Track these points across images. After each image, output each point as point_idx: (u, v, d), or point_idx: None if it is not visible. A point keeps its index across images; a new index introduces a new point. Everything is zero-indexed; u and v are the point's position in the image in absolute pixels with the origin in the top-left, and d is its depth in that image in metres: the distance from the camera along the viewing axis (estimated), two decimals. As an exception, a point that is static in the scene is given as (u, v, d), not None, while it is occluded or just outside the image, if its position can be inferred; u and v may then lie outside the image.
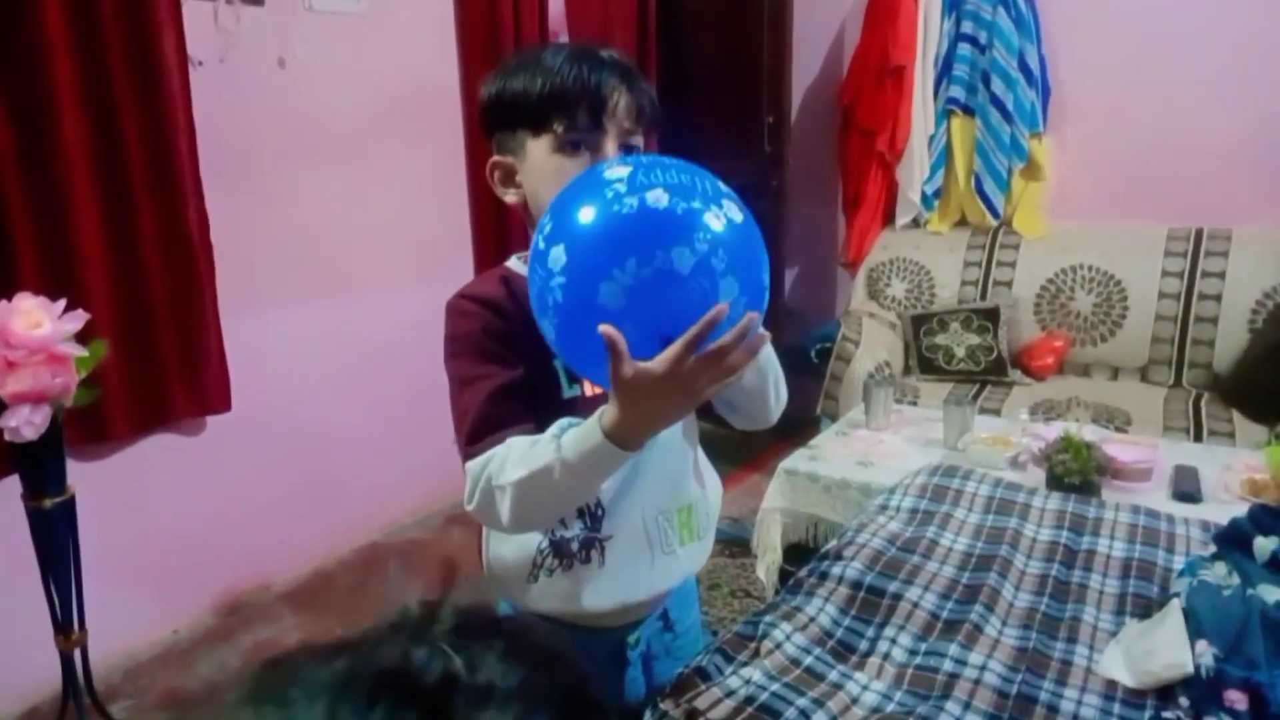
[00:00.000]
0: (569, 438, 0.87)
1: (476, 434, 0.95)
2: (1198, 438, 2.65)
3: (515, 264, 1.07)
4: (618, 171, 0.83)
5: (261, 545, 2.61)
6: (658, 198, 0.81)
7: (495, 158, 1.04)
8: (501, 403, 0.95)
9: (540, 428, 0.93)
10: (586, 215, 0.81)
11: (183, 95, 2.21)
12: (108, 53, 2.06)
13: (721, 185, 0.87)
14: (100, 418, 2.12)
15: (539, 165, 0.98)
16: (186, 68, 2.22)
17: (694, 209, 0.81)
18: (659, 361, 0.79)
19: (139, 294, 2.19)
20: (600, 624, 1.07)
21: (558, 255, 0.82)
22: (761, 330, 0.83)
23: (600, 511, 1.03)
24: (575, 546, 1.03)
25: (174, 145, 2.20)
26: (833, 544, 1.54)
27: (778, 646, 1.24)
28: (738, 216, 0.84)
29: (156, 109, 2.16)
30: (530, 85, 0.97)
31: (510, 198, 1.04)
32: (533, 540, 1.03)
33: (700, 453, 1.17)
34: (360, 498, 2.86)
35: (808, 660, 1.23)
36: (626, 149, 0.98)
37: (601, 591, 1.03)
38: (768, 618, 1.31)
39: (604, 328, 0.78)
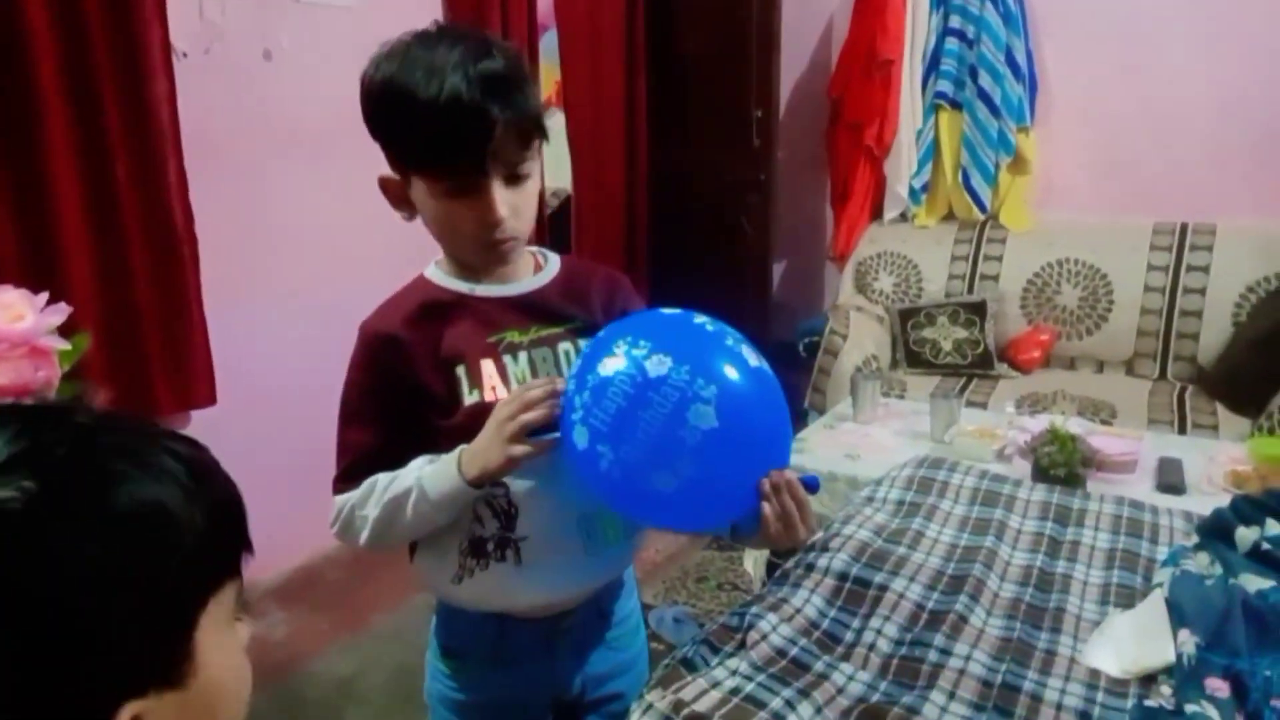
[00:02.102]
0: (428, 479, 0.97)
1: (349, 474, 1.03)
2: (1182, 430, 2.67)
3: (433, 271, 1.07)
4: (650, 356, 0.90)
5: (254, 538, 2.59)
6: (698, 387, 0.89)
7: (385, 175, 1.01)
8: (377, 451, 1.02)
9: (436, 440, 1.01)
10: (629, 402, 0.89)
11: (167, 87, 2.20)
12: (91, 44, 2.04)
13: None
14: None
15: (425, 202, 0.98)
16: (171, 59, 2.21)
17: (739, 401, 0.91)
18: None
19: (123, 287, 2.18)
20: (529, 616, 1.08)
21: (598, 431, 0.90)
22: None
23: (514, 511, 1.03)
24: (491, 546, 1.03)
25: (158, 137, 2.18)
26: (819, 536, 1.54)
27: (764, 638, 1.24)
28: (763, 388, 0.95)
29: (140, 101, 2.15)
30: (411, 108, 0.90)
31: (404, 216, 1.04)
32: (453, 542, 1.05)
33: None
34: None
35: (794, 651, 1.23)
36: (512, 177, 0.97)
37: (523, 589, 1.04)
38: (754, 609, 1.31)
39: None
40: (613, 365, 0.91)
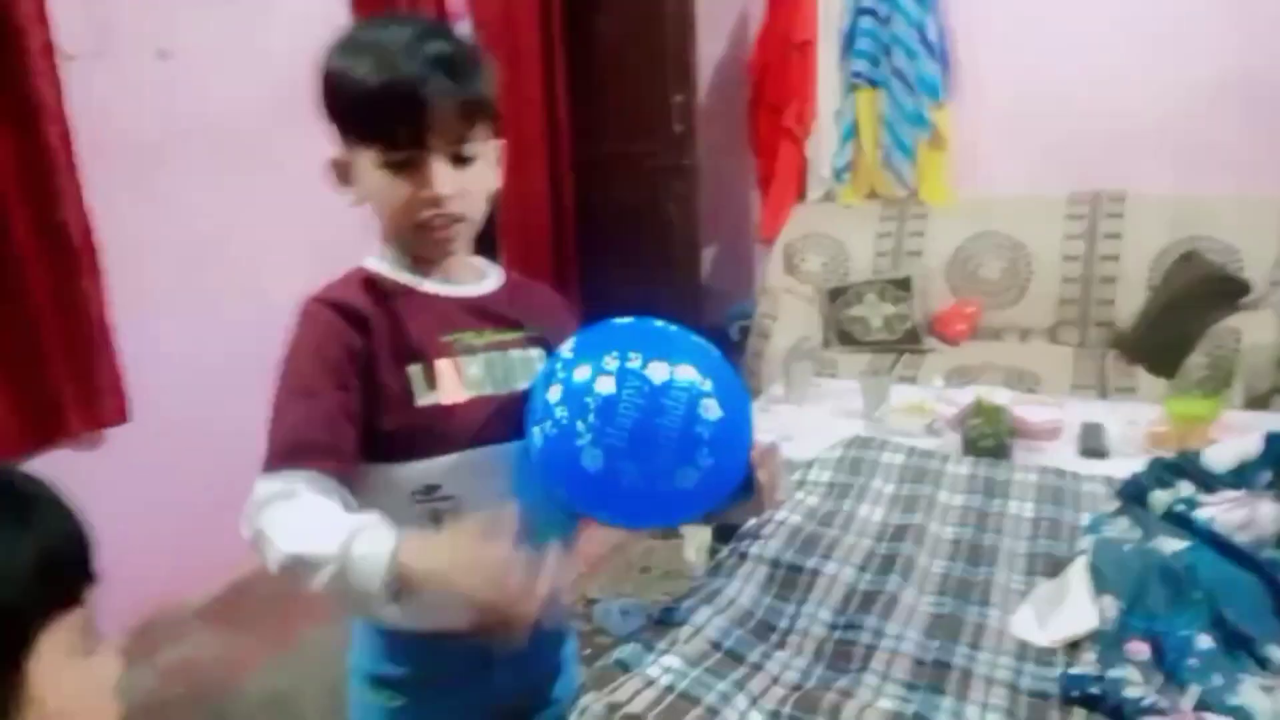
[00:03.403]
0: (360, 553, 0.82)
1: (281, 455, 0.90)
2: (1104, 395, 2.74)
3: (374, 263, 1.02)
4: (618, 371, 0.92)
5: (173, 560, 2.50)
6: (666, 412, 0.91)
7: (333, 156, 0.99)
8: (317, 429, 0.90)
9: (381, 441, 0.94)
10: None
11: (54, 92, 2.09)
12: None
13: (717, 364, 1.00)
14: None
15: (367, 176, 0.95)
16: (56, 62, 2.10)
17: (699, 422, 0.92)
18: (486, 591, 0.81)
19: (17, 304, 2.07)
20: (463, 632, 0.95)
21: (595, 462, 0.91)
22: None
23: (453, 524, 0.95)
24: None
25: (47, 144, 2.07)
26: (753, 523, 1.54)
27: (698, 631, 1.23)
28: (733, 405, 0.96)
29: (25, 106, 2.04)
30: (353, 78, 0.90)
31: (350, 198, 1.00)
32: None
33: None
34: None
35: (728, 642, 1.23)
36: (458, 157, 0.94)
37: (451, 611, 0.90)
38: (689, 601, 1.30)
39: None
40: (612, 381, 0.91)
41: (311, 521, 0.86)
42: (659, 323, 1.02)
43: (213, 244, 2.59)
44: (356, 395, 0.93)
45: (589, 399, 0.91)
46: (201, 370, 2.55)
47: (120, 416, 2.28)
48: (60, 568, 0.56)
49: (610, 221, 4.01)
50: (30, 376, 2.12)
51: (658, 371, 0.92)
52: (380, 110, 0.90)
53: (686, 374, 0.93)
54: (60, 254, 2.13)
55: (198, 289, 2.55)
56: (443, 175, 0.93)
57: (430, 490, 0.96)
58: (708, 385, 0.94)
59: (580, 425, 0.90)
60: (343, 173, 0.99)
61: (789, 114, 3.69)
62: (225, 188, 2.61)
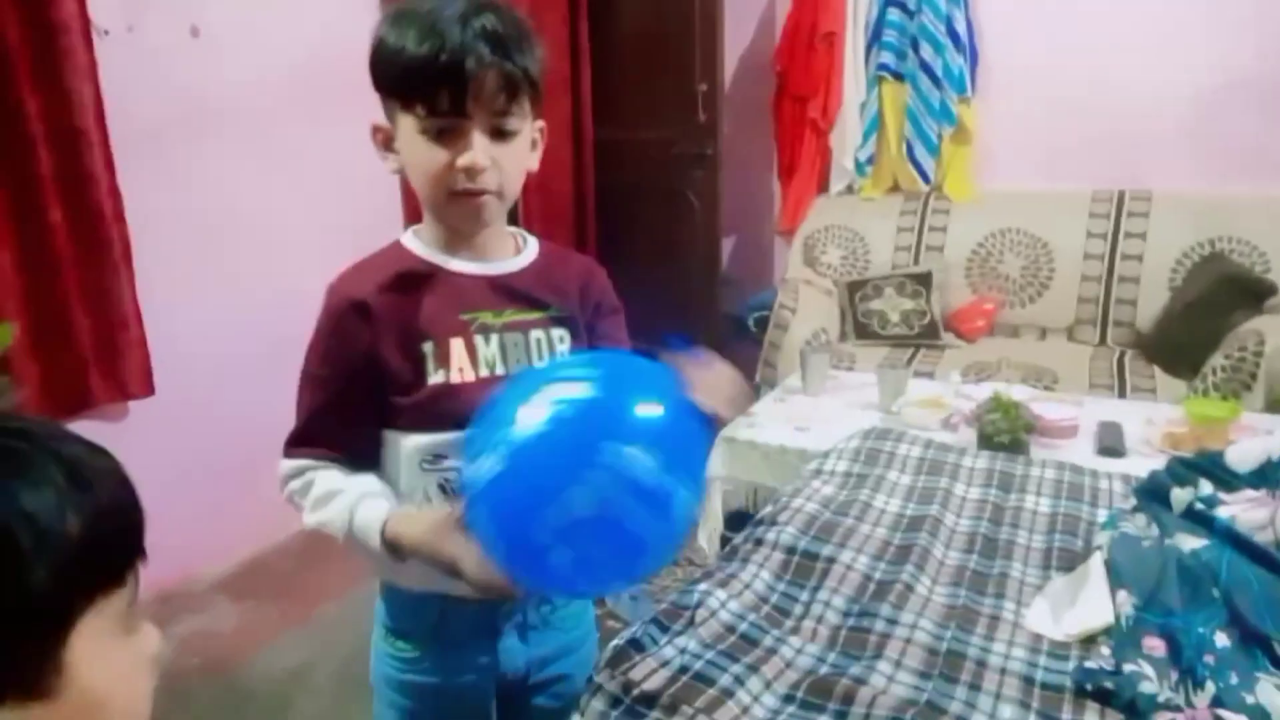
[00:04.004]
0: (360, 523, 0.96)
1: (298, 439, 1.03)
2: (1121, 394, 2.73)
3: (409, 239, 1.05)
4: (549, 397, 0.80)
5: (194, 532, 2.53)
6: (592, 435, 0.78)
7: (376, 122, 1.01)
8: (328, 419, 1.01)
9: (393, 411, 1.00)
10: (515, 442, 0.79)
11: (88, 67, 2.11)
12: (2, 22, 1.95)
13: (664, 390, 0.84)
14: (11, 407, 2.04)
15: (407, 141, 0.97)
16: (91, 37, 2.12)
17: (630, 459, 0.78)
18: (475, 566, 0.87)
19: (48, 276, 2.10)
20: (471, 598, 1.03)
21: (491, 465, 0.79)
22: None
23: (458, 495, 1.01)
24: None
25: (80, 120, 2.10)
26: (767, 510, 1.54)
27: (713, 614, 1.24)
28: (678, 443, 0.82)
29: (60, 82, 2.06)
30: (400, 47, 0.92)
31: (390, 165, 1.01)
32: None
33: None
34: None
35: (743, 626, 1.23)
36: (498, 130, 0.95)
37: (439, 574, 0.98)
38: (703, 586, 1.31)
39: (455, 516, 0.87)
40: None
41: (322, 496, 1.00)
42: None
43: (236, 223, 2.61)
44: (361, 382, 0.99)
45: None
46: (223, 348, 2.57)
47: (146, 389, 2.31)
48: (111, 545, 0.54)
49: (631, 208, 4.01)
50: (58, 346, 2.15)
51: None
52: (424, 75, 0.91)
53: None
54: (91, 227, 2.16)
55: (220, 267, 2.57)
56: (481, 145, 0.94)
57: (438, 459, 1.01)
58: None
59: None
60: (385, 140, 1.01)
61: (813, 105, 3.68)
62: (249, 168, 2.63)
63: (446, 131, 0.94)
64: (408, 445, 1.01)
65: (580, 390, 0.82)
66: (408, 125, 0.95)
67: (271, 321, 2.68)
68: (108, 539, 0.53)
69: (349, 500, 0.98)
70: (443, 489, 1.01)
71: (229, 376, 2.57)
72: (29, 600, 0.48)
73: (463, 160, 0.94)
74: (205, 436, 2.53)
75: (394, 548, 0.95)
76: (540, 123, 1.03)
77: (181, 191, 2.45)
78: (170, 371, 2.38)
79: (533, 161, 1.03)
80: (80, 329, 2.18)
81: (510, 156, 0.98)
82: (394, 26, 0.94)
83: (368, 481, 1.00)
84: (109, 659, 0.53)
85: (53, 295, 2.12)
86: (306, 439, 1.02)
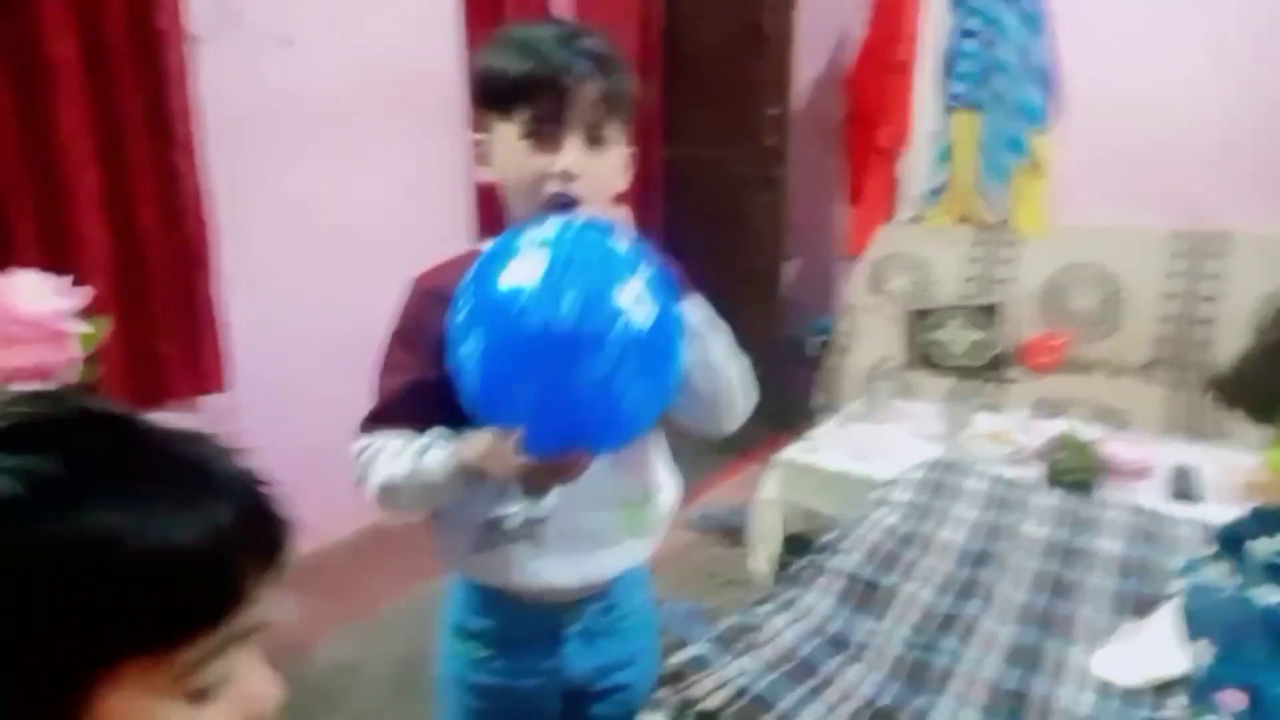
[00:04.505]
0: (432, 463, 0.98)
1: (373, 419, 1.04)
2: (1196, 439, 2.65)
3: (487, 246, 1.07)
4: (529, 273, 0.85)
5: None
6: (566, 312, 0.83)
7: (475, 135, 1.05)
8: (405, 401, 1.03)
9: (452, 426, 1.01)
10: (496, 327, 0.87)
11: (181, 70, 2.20)
12: (106, 27, 2.05)
13: (636, 271, 0.89)
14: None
15: (505, 148, 1.00)
16: (184, 42, 2.21)
17: (601, 326, 0.84)
18: (519, 465, 0.90)
19: (137, 270, 2.18)
20: (540, 600, 1.09)
21: (471, 350, 0.88)
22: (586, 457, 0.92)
23: (541, 496, 1.04)
24: (513, 525, 1.05)
25: (171, 121, 2.18)
26: (831, 536, 1.53)
27: (775, 636, 1.23)
28: (657, 301, 0.88)
29: (155, 84, 2.15)
30: (503, 66, 0.98)
31: (487, 175, 1.05)
32: (474, 518, 1.06)
33: (663, 456, 1.18)
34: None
35: (805, 651, 1.23)
36: (593, 139, 0.99)
37: (538, 571, 1.06)
38: (766, 607, 1.30)
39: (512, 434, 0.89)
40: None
41: (389, 453, 1.02)
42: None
43: (317, 223, 2.68)
44: (439, 368, 0.98)
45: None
46: (298, 347, 2.64)
47: (219, 384, 2.37)
48: (174, 582, 0.44)
49: (696, 228, 4.02)
50: (142, 338, 2.22)
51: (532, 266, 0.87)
52: (527, 84, 0.96)
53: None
54: (178, 224, 2.24)
55: (300, 266, 2.65)
56: (576, 151, 0.98)
57: None
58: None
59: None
60: (482, 153, 1.04)
61: (883, 133, 3.65)
62: (331, 169, 2.70)
63: (545, 138, 0.97)
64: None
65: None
66: (508, 134, 0.99)
67: (346, 323, 2.76)
68: (173, 580, 0.43)
69: (421, 444, 1.00)
70: (522, 493, 1.03)
71: (301, 374, 2.63)
72: (56, 637, 0.40)
73: (560, 163, 0.97)
74: (275, 433, 2.58)
75: (461, 470, 0.97)
76: (632, 148, 1.05)
77: (265, 193, 2.53)
78: (248, 366, 2.45)
79: (621, 181, 1.05)
80: (163, 322, 2.26)
81: (603, 168, 1.00)
82: (498, 48, 0.99)
83: (439, 431, 1.02)
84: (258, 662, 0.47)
85: (139, 288, 2.20)
86: (382, 419, 1.04)
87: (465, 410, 0.98)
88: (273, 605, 0.48)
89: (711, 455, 3.35)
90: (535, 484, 0.96)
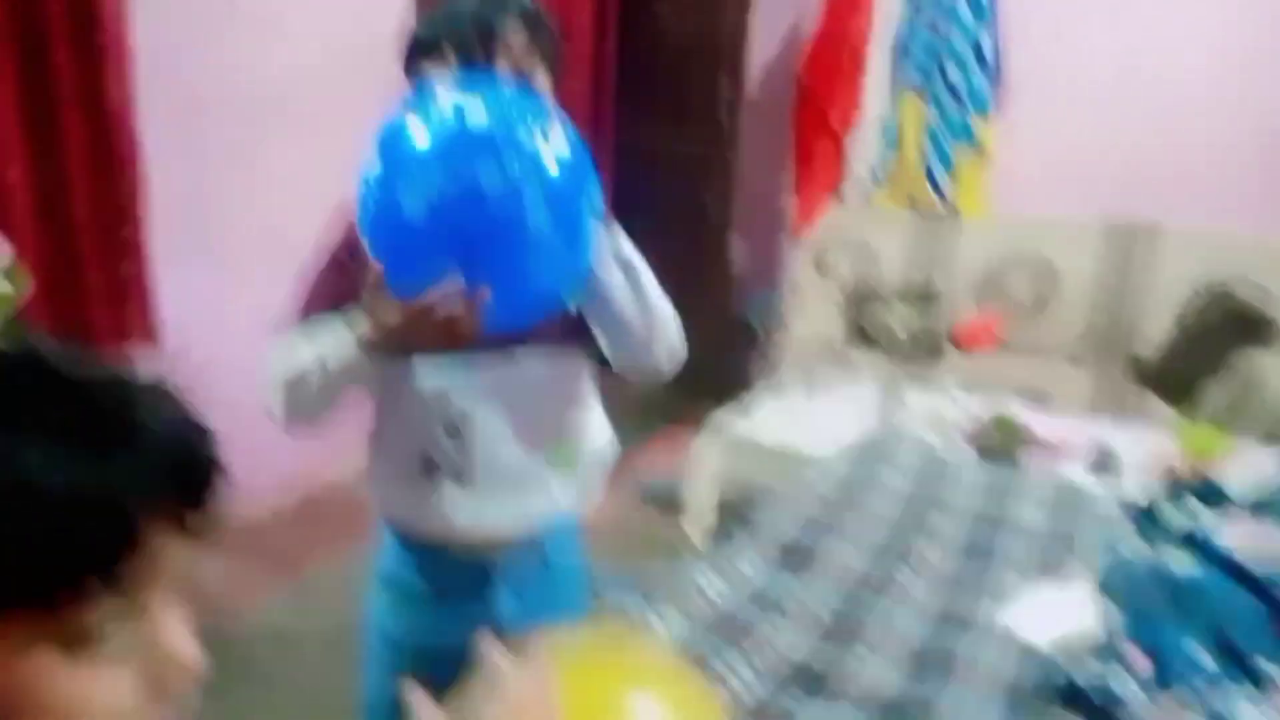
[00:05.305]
0: (329, 346, 0.97)
1: (283, 325, 1.05)
2: (1118, 419, 2.74)
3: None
4: (445, 89, 0.90)
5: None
6: (477, 116, 0.86)
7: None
8: (323, 309, 1.02)
9: None
10: (402, 127, 0.88)
11: (120, 29, 2.12)
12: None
13: (553, 115, 0.92)
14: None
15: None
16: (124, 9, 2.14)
17: (514, 131, 0.86)
18: (397, 309, 0.89)
19: (64, 224, 2.11)
20: (473, 551, 1.10)
21: (373, 165, 0.89)
22: (485, 293, 0.89)
23: (470, 437, 1.06)
24: (443, 468, 1.06)
25: (108, 75, 2.10)
26: (764, 502, 1.56)
27: (705, 597, 1.25)
28: (564, 150, 0.89)
29: (92, 37, 2.07)
30: (430, 20, 1.01)
31: None
32: (404, 459, 1.07)
33: (594, 404, 1.19)
34: (294, 450, 2.80)
35: (735, 611, 1.25)
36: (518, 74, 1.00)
37: (470, 515, 1.07)
38: (697, 568, 1.32)
39: (375, 266, 0.89)
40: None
41: (293, 348, 1.01)
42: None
43: (251, 197, 2.62)
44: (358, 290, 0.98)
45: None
46: (231, 311, 2.58)
47: (147, 337, 2.31)
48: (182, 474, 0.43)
49: (645, 205, 4.01)
50: (68, 294, 2.15)
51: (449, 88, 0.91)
52: (456, 25, 0.98)
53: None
54: (108, 174, 2.16)
55: (242, 238, 2.59)
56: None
57: (440, 396, 1.05)
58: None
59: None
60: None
61: (834, 115, 3.69)
62: (274, 133, 2.63)
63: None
64: (410, 375, 1.04)
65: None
66: (439, 76, 0.99)
67: (282, 292, 2.71)
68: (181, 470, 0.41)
69: (321, 328, 1.00)
70: (444, 428, 1.03)
71: (233, 338, 2.57)
72: None
73: None
74: (202, 401, 2.53)
75: (367, 345, 0.95)
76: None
77: (204, 162, 2.46)
78: (176, 328, 2.39)
79: None
80: (89, 276, 2.19)
81: None
82: (423, 21, 1.03)
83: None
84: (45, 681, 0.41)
85: (66, 243, 2.13)
86: (294, 319, 1.05)
87: None
88: (191, 561, 0.45)
89: (651, 425, 3.36)
90: (428, 337, 0.92)
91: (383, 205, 0.89)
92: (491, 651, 0.53)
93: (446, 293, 0.87)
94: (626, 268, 1.03)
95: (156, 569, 0.43)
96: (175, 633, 0.45)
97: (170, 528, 0.43)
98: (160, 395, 0.46)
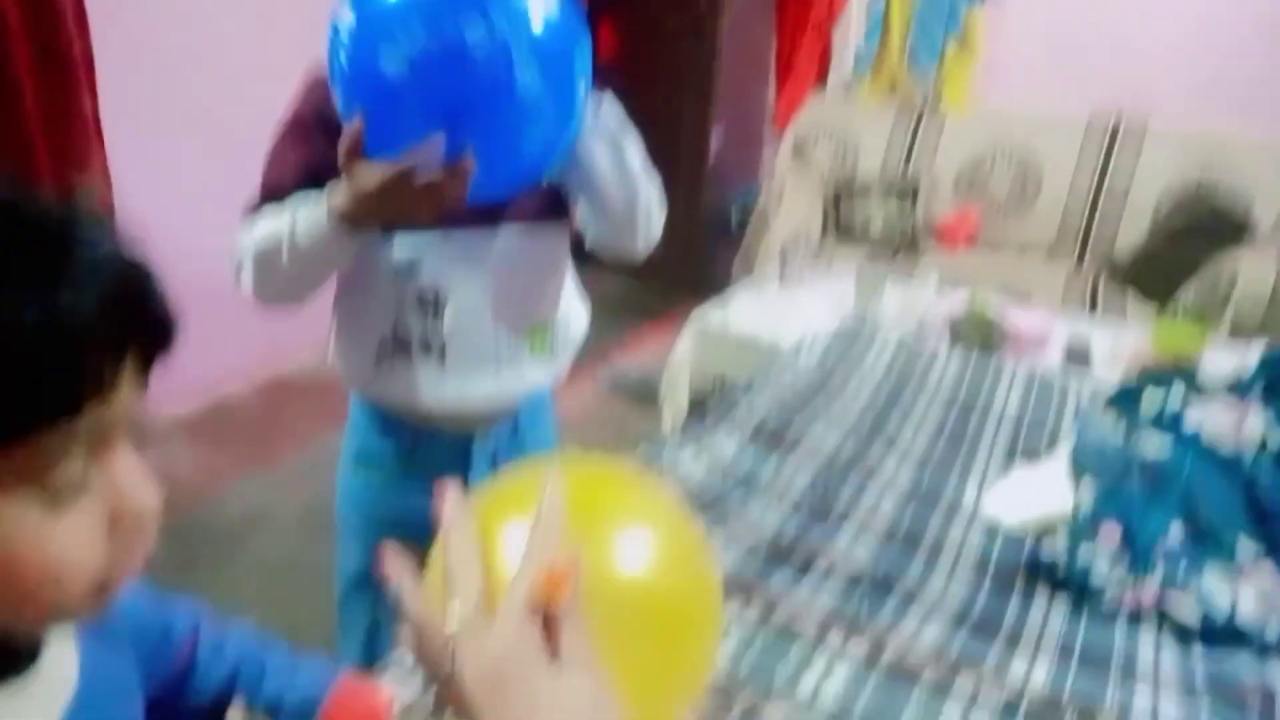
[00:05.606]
0: (301, 215, 0.90)
1: (255, 209, 0.98)
2: (1095, 317, 2.75)
3: None
4: None
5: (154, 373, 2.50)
6: None
7: None
8: (296, 187, 0.95)
9: None
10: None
11: None
12: None
13: None
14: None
15: None
16: None
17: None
18: (374, 174, 0.83)
19: (11, 116, 1.99)
20: (446, 425, 1.08)
21: (347, 20, 0.81)
22: (469, 161, 0.82)
23: (441, 310, 1.02)
24: (415, 343, 1.03)
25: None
26: (741, 383, 1.54)
27: (678, 473, 1.24)
28: (553, 10, 0.82)
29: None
30: None
31: None
32: (374, 332, 1.03)
33: (569, 281, 1.16)
34: (262, 334, 2.74)
35: (709, 486, 1.24)
36: None
37: (442, 390, 1.04)
38: (672, 446, 1.31)
39: (353, 124, 0.81)
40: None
41: (265, 225, 0.95)
42: None
43: (205, 58, 2.49)
44: (330, 158, 0.91)
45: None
46: (188, 185, 2.48)
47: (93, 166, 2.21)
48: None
49: (623, 98, 3.89)
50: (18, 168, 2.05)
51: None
52: None
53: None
54: (55, 62, 2.03)
55: (191, 113, 2.47)
56: None
57: (412, 267, 1.00)
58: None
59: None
60: None
61: (819, 6, 3.56)
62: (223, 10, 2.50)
63: None
64: (380, 253, 0.99)
65: None
66: None
67: (239, 159, 2.60)
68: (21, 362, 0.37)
69: (294, 204, 0.93)
70: (419, 302, 1.00)
71: (192, 215, 2.49)
72: None
73: None
74: (167, 274, 2.46)
75: (341, 217, 0.89)
76: None
77: (152, 34, 2.32)
78: (132, 207, 2.29)
79: None
80: (38, 158, 2.08)
81: None
82: None
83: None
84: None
85: (13, 135, 2.01)
86: (264, 200, 0.98)
87: None
88: (141, 402, 0.43)
89: (627, 320, 3.34)
90: (406, 206, 0.86)
91: (356, 62, 0.82)
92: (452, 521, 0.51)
93: (427, 157, 0.81)
94: (613, 138, 0.97)
95: (115, 411, 0.41)
96: (133, 476, 0.44)
97: (126, 366, 0.42)
98: (107, 231, 0.43)
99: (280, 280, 0.95)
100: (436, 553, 0.51)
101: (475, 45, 0.77)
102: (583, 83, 0.87)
